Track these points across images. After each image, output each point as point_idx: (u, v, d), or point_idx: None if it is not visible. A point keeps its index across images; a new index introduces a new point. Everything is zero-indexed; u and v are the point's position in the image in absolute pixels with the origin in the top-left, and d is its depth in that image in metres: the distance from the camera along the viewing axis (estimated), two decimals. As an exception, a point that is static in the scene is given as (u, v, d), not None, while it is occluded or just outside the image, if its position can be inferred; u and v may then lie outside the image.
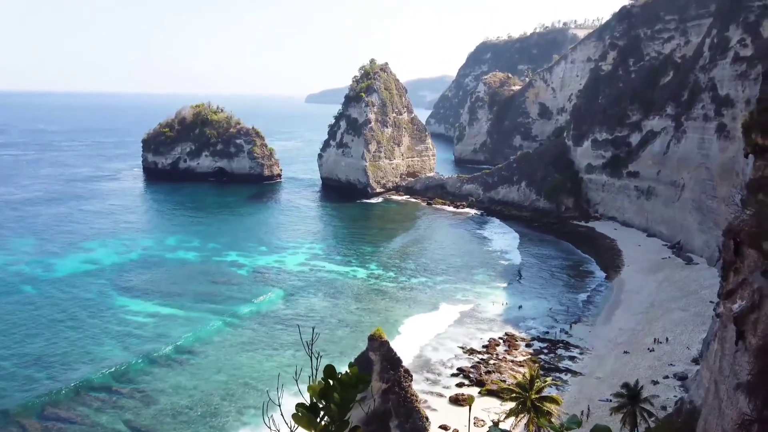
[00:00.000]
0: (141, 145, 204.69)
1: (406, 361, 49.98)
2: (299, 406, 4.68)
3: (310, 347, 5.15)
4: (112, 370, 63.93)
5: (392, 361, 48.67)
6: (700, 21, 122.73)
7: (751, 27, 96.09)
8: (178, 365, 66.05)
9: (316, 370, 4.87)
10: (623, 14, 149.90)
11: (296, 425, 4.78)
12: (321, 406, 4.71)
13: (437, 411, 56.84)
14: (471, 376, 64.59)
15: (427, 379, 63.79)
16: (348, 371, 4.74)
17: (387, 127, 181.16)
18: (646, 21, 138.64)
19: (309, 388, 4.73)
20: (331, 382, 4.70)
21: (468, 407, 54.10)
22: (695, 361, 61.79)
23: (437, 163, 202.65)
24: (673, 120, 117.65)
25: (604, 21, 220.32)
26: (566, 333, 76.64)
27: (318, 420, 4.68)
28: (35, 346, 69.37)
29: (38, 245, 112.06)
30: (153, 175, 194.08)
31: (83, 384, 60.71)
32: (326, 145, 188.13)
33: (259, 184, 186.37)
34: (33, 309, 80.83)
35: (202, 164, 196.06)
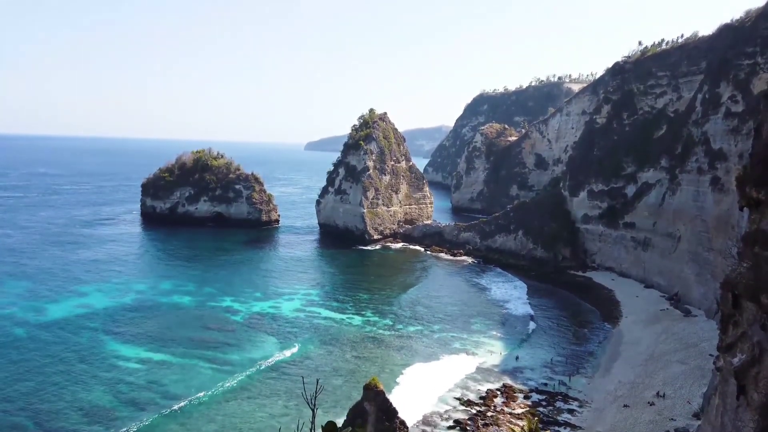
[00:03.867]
0: (140, 189, 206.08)
1: (402, 412, 48.82)
2: None
3: (313, 400, 5.20)
4: (101, 417, 62.32)
5: (387, 411, 47.58)
6: (691, 78, 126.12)
7: (741, 84, 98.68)
8: (169, 414, 64.42)
9: (313, 423, 4.87)
10: (616, 70, 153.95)
11: None
12: None
13: (433, 465, 55.23)
14: (468, 428, 63.08)
15: (423, 432, 62.25)
16: (352, 429, 4.75)
17: (385, 174, 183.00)
18: (638, 77, 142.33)
19: None
20: None
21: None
22: (696, 415, 60.70)
23: (434, 211, 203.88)
24: (667, 172, 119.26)
25: (597, 76, 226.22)
26: (565, 385, 75.31)
27: None
28: (23, 391, 67.76)
29: (32, 288, 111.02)
30: (151, 220, 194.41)
31: (70, 432, 59.05)
32: (324, 191, 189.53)
33: (256, 229, 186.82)
34: (22, 353, 79.33)
35: (201, 209, 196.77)
